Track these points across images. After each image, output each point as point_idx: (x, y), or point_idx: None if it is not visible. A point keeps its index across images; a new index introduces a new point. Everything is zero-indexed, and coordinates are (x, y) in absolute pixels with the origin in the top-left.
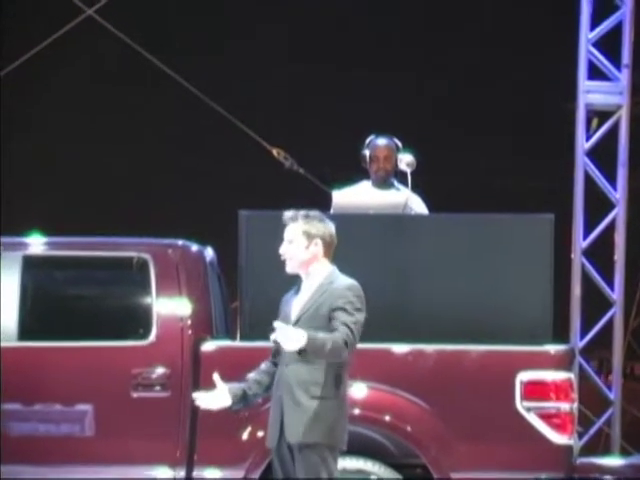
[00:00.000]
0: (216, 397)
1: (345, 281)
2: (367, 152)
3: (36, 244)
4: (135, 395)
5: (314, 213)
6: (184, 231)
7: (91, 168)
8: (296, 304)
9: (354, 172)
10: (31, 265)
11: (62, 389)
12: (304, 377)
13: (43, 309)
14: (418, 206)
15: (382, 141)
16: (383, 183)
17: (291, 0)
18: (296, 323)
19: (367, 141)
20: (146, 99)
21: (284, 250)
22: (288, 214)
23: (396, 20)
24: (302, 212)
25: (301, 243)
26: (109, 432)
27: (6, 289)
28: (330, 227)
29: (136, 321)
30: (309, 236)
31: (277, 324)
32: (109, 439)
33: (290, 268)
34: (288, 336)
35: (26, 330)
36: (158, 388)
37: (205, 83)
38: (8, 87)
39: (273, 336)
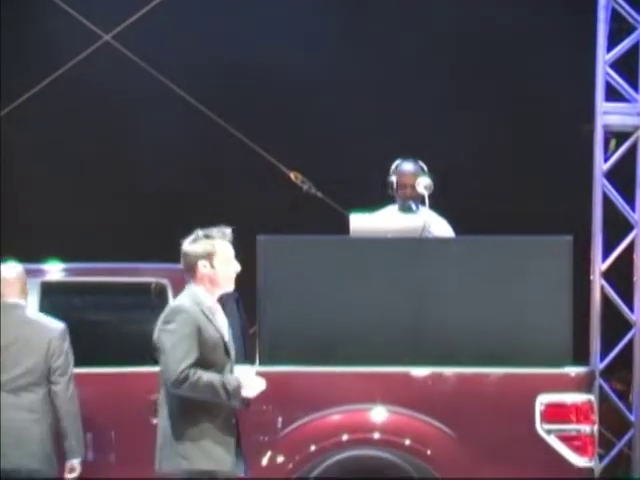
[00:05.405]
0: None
1: None
2: (394, 178)
3: (54, 270)
4: (155, 421)
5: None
6: None
7: (104, 195)
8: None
9: (375, 196)
10: (50, 291)
11: (82, 416)
12: None
13: None
14: (440, 230)
15: (409, 166)
16: (409, 207)
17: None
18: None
19: (393, 166)
20: (157, 121)
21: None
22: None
23: (411, 53)
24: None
25: None
26: (129, 458)
27: None
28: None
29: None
30: None
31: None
32: (129, 465)
33: None
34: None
35: None
36: None
37: (220, 106)
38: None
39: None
